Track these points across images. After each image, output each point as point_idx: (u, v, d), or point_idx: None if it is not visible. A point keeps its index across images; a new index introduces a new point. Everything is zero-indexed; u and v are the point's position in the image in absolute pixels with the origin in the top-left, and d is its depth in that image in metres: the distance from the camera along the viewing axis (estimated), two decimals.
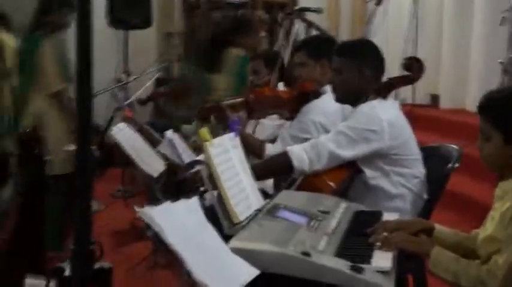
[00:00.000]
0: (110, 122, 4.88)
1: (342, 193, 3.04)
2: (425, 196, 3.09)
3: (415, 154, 3.08)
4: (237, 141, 2.57)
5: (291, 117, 3.61)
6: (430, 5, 7.15)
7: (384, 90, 3.11)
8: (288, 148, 3.02)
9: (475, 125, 2.31)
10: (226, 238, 2.13)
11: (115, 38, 7.65)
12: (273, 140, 3.62)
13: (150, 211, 1.73)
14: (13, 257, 3.38)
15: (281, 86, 4.20)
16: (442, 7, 7.02)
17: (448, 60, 6.87)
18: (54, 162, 4.27)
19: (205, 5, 8.41)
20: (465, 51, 6.60)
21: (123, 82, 6.57)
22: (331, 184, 2.98)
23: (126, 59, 7.58)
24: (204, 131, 2.36)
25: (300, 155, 2.97)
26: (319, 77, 3.58)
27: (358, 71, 3.08)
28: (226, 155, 2.41)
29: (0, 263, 3.37)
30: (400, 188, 3.02)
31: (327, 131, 3.36)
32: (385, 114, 2.99)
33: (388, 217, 2.64)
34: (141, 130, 4.10)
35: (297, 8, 5.58)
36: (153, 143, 3.96)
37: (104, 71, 7.44)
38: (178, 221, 1.79)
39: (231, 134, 2.56)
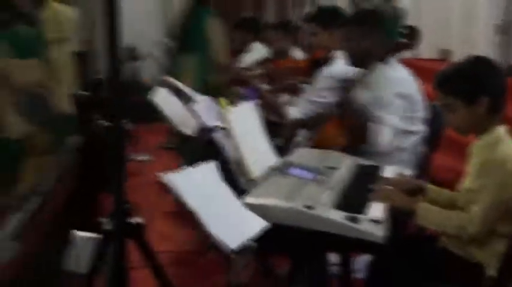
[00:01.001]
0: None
1: (353, 148, 3.13)
2: (422, 149, 3.15)
3: (420, 110, 3.13)
4: (253, 108, 2.66)
5: (306, 83, 3.69)
6: None
7: (390, 54, 3.16)
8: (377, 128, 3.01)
9: None
10: (243, 192, 2.26)
11: (160, 4, 7.72)
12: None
13: (171, 176, 1.85)
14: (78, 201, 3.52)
15: (298, 52, 4.27)
16: None
17: (458, 19, 6.76)
18: None
19: None
20: (473, 11, 6.49)
21: (166, 46, 6.65)
22: (341, 140, 3.07)
23: (170, 24, 7.64)
24: (224, 100, 2.46)
25: (384, 133, 2.99)
26: (329, 44, 3.63)
27: (369, 37, 3.12)
28: (243, 121, 2.51)
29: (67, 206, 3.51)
30: (405, 141, 3.09)
31: (337, 93, 3.44)
32: (401, 75, 3.07)
33: (388, 170, 2.73)
34: (178, 92, 4.19)
35: None
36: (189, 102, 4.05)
37: (150, 35, 7.56)
38: (196, 184, 1.91)
39: (248, 102, 2.65)
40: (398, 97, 3.00)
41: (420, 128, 3.11)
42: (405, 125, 3.06)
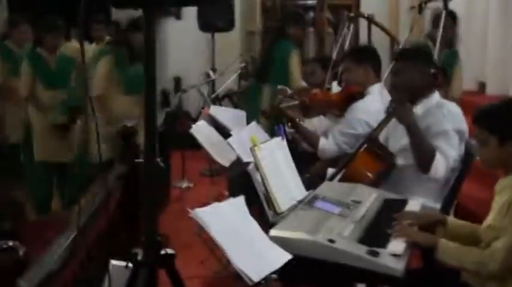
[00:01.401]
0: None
1: (383, 177, 3.15)
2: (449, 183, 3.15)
3: (463, 147, 3.10)
4: (283, 143, 2.71)
5: (339, 115, 3.74)
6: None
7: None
8: (438, 156, 2.95)
9: None
10: (272, 225, 2.32)
11: (204, 39, 7.89)
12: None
13: (199, 212, 1.93)
14: (118, 229, 3.62)
15: (335, 85, 4.32)
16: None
17: (493, 51, 6.72)
18: None
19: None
20: (509, 43, 6.45)
21: (210, 78, 6.82)
22: (369, 175, 3.09)
23: (213, 57, 7.80)
24: (254, 137, 2.53)
25: (440, 164, 2.95)
26: (362, 80, 3.68)
27: (419, 72, 3.11)
28: (272, 156, 2.57)
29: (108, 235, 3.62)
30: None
31: (370, 126, 3.47)
32: (457, 111, 3.08)
33: (412, 203, 2.74)
34: (216, 125, 4.30)
35: None
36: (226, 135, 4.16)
37: (195, 67, 7.74)
38: (223, 219, 1.97)
39: (278, 138, 2.71)
40: (456, 132, 3.01)
41: (458, 165, 3.11)
42: (456, 162, 3.05)
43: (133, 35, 4.72)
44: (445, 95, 3.34)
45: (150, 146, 2.00)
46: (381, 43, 6.72)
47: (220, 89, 6.78)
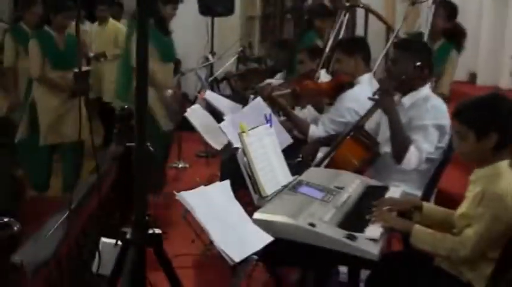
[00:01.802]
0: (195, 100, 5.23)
1: (368, 165, 3.23)
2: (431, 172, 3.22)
3: (446, 141, 3.15)
4: (271, 130, 2.77)
5: (329, 104, 3.80)
6: None
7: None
8: (412, 149, 3.04)
9: None
10: (256, 208, 2.39)
11: (204, 22, 7.90)
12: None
13: (184, 194, 2.00)
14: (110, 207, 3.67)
15: (323, 73, 4.37)
16: None
17: (486, 42, 6.75)
18: None
19: None
20: (501, 35, 6.48)
21: (208, 62, 6.86)
22: (355, 162, 3.16)
23: (212, 41, 7.82)
24: (243, 124, 2.59)
25: (413, 156, 3.03)
26: (352, 70, 3.73)
27: (413, 63, 3.11)
28: (260, 142, 2.62)
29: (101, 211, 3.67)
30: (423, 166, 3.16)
31: (358, 115, 3.53)
32: (441, 106, 3.13)
33: (393, 190, 2.81)
34: (211, 109, 4.36)
35: None
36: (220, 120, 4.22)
37: (194, 50, 7.76)
38: (208, 202, 2.04)
39: (267, 125, 2.76)
40: (435, 128, 3.07)
41: (439, 156, 3.18)
42: (434, 155, 3.12)
43: (164, 7, 4.75)
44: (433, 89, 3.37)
45: (141, 130, 2.03)
46: (377, 32, 6.79)
47: (218, 72, 6.83)
